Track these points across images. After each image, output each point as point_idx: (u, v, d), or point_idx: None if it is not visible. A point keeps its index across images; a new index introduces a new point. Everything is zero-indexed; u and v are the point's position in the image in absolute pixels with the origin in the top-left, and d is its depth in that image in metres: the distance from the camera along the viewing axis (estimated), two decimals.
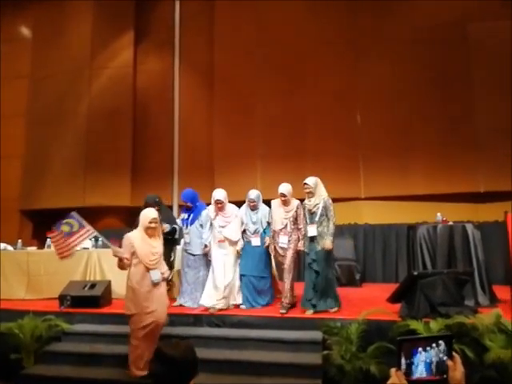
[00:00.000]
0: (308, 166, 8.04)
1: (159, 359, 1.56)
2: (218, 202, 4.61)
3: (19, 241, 6.30)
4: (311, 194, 4.46)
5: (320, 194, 4.45)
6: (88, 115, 9.25)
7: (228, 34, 8.76)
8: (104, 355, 3.98)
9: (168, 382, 1.54)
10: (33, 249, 6.21)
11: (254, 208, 4.75)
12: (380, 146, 7.84)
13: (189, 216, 4.98)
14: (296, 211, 4.51)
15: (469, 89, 7.58)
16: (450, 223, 5.13)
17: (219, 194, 4.66)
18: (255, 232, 4.70)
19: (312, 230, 4.37)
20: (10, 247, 6.13)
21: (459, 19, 7.70)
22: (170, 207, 9.03)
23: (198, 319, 4.39)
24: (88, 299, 4.80)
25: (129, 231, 3.72)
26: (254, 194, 4.78)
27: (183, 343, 1.63)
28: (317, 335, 3.85)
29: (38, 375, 3.86)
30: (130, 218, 6.68)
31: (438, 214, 5.34)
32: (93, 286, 5.04)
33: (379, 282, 6.76)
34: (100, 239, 5.50)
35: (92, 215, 9.77)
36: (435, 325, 3.51)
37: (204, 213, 4.88)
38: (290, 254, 4.47)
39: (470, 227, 4.87)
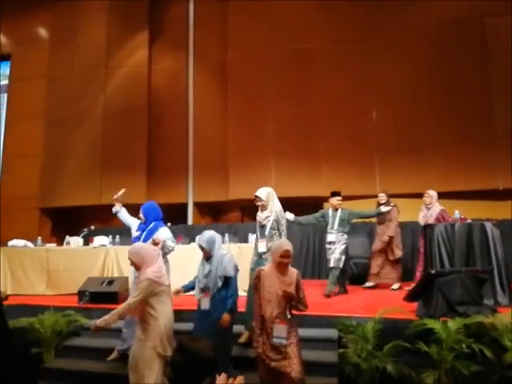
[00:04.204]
0: (322, 164, 8.02)
1: (180, 350, 1.67)
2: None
3: (39, 238, 6.44)
4: (264, 207, 4.05)
5: (273, 207, 4.04)
6: (104, 115, 9.40)
7: (241, 34, 8.77)
8: None
9: (184, 374, 1.62)
10: (52, 245, 6.34)
11: (207, 256, 3.40)
12: (395, 143, 7.76)
13: (142, 233, 4.04)
14: (297, 282, 2.95)
15: (486, 84, 7.42)
16: (469, 221, 5.04)
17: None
18: (206, 289, 3.32)
19: (262, 246, 3.94)
20: (30, 244, 6.27)
21: (474, 15, 7.56)
22: (185, 205, 9.10)
23: None
24: (106, 295, 4.88)
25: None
26: (204, 236, 3.39)
27: (204, 341, 1.71)
28: (332, 333, 3.83)
29: (58, 369, 3.96)
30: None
31: (456, 212, 5.26)
32: (110, 282, 5.12)
33: None
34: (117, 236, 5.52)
35: (108, 213, 9.92)
36: (453, 324, 3.45)
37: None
38: (294, 352, 2.87)
39: (488, 225, 4.77)
